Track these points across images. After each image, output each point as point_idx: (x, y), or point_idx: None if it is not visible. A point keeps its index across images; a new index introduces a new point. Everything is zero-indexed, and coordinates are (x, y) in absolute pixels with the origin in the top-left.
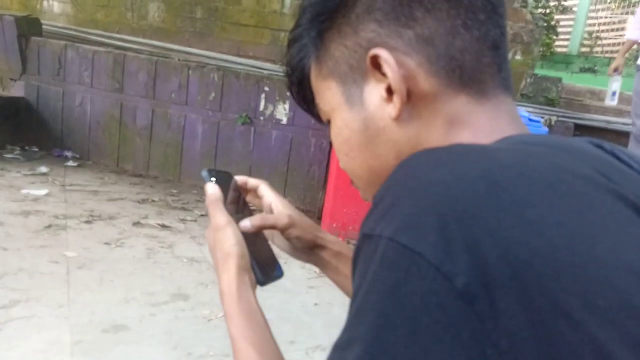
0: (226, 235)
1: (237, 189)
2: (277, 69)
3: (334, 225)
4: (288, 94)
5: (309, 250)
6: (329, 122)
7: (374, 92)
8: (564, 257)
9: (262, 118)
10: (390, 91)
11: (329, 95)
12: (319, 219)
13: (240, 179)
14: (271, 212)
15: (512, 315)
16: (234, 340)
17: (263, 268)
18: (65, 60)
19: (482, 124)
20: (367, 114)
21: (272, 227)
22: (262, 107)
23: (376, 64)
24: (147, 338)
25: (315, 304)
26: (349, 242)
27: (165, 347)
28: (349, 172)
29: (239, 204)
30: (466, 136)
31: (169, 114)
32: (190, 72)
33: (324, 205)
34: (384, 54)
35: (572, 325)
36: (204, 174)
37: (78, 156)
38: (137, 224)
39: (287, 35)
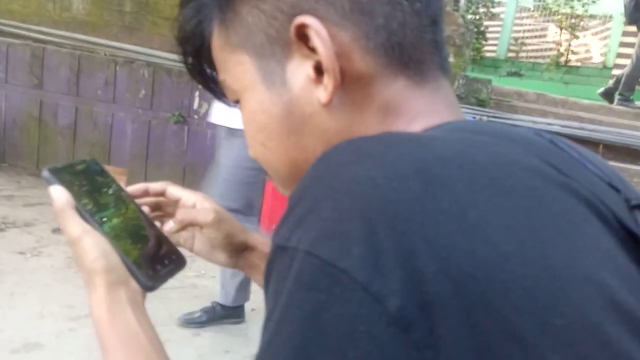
0: (84, 249)
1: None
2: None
3: (272, 227)
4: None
5: (236, 254)
6: (237, 102)
7: (299, 71)
8: (513, 267)
9: (196, 116)
10: (319, 70)
11: (240, 70)
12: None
13: (137, 188)
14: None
15: (455, 341)
16: None
17: (151, 267)
18: None
19: (420, 110)
20: (291, 96)
21: (197, 224)
22: (196, 105)
23: (302, 35)
24: (63, 356)
25: (252, 310)
26: None
27: None
28: (264, 165)
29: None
30: (402, 125)
31: (95, 112)
32: (118, 67)
33: (262, 207)
34: (313, 23)
35: (524, 351)
36: (45, 174)
37: None
38: (57, 231)
39: None
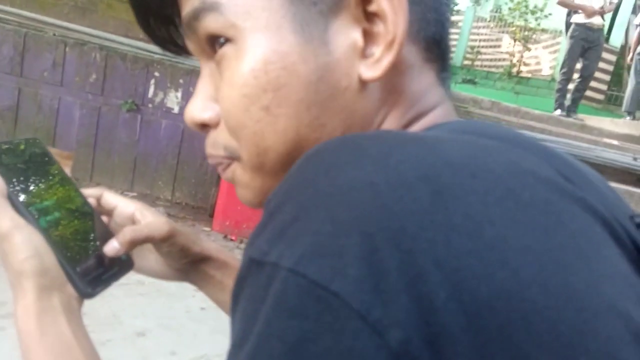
0: (13, 246)
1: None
2: (169, 54)
3: (227, 223)
4: (181, 80)
5: (190, 266)
6: (219, 45)
7: (344, 34)
8: (534, 296)
9: (150, 105)
10: (366, 39)
11: (258, 4)
12: (210, 216)
13: None
14: (132, 224)
15: None
16: None
17: (93, 270)
18: None
19: (435, 105)
20: (329, 60)
21: (149, 240)
22: (150, 94)
23: None
24: None
25: (202, 309)
26: (241, 241)
27: None
28: (249, 137)
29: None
30: (419, 120)
31: (40, 95)
32: (67, 49)
33: (216, 202)
34: None
35: None
36: None
37: None
38: None
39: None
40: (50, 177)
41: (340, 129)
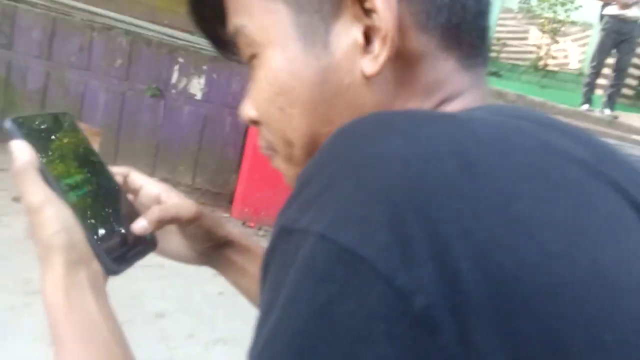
0: (43, 219)
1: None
2: (193, 40)
3: (246, 210)
4: (205, 67)
5: (213, 250)
6: (251, 56)
7: (345, 34)
8: (560, 270)
9: (173, 91)
10: (367, 37)
11: (269, 20)
12: (230, 202)
13: None
14: (158, 205)
15: (488, 352)
16: None
17: (119, 247)
18: None
19: (462, 92)
20: (330, 61)
21: (178, 221)
22: (174, 80)
23: None
24: (17, 333)
25: (220, 293)
26: (260, 229)
27: (39, 343)
28: (273, 132)
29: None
30: (442, 106)
31: (67, 79)
32: (95, 33)
33: (236, 189)
34: None
35: None
36: (8, 125)
37: None
38: (18, 199)
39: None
40: (80, 152)
41: None
